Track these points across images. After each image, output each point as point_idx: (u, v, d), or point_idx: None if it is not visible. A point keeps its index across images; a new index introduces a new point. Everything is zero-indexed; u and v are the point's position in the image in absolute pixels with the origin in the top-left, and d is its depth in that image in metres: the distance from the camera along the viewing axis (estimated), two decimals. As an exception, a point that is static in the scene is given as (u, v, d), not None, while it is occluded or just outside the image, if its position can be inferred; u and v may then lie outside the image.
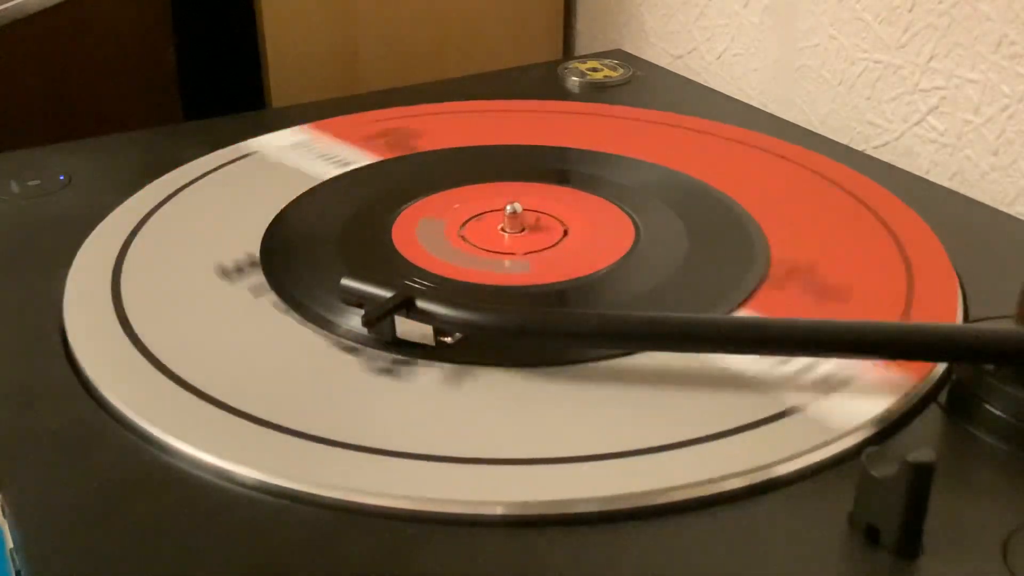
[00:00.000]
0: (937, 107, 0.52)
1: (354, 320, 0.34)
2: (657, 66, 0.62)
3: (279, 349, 0.34)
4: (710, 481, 0.28)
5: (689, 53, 0.67)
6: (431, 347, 0.33)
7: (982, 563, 0.25)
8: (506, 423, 0.30)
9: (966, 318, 0.36)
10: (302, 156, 0.48)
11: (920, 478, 0.24)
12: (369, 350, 0.33)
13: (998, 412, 0.30)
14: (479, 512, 0.27)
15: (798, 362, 0.32)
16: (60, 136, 0.51)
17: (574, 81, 0.58)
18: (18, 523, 0.27)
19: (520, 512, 0.27)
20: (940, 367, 0.32)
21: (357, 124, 0.52)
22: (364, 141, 0.50)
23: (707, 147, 0.49)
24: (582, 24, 0.76)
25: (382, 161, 0.48)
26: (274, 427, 0.30)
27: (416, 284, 0.37)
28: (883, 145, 0.55)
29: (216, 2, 0.65)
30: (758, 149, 0.49)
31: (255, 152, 0.48)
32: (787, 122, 0.53)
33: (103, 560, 0.25)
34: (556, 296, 0.37)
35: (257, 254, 0.40)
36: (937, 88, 0.52)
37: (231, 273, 0.38)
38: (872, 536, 0.26)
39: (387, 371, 0.33)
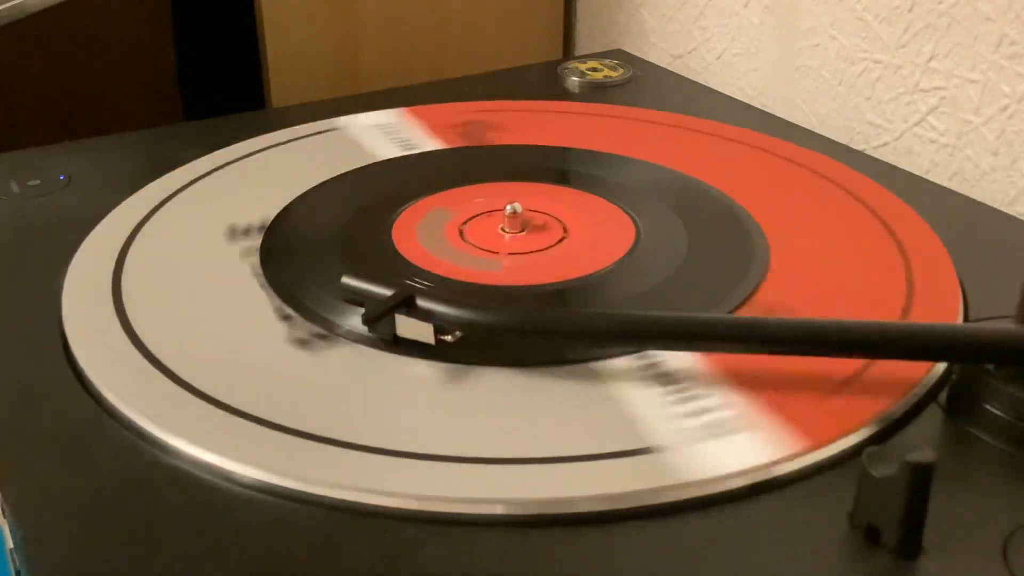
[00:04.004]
0: (937, 107, 0.52)
1: (354, 319, 0.34)
2: (657, 66, 0.62)
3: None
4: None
5: (689, 53, 0.67)
6: (431, 346, 0.33)
7: (982, 563, 0.25)
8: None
9: (966, 318, 0.36)
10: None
11: (920, 478, 0.24)
12: (369, 350, 0.33)
13: (998, 412, 0.30)
14: (479, 512, 0.27)
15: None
16: (60, 136, 0.51)
17: (574, 81, 0.58)
18: (18, 523, 0.27)
19: (520, 512, 0.27)
20: (940, 367, 0.32)
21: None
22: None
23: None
24: (582, 24, 0.76)
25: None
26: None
27: (417, 283, 0.37)
28: (883, 145, 0.55)
29: (216, 2, 0.65)
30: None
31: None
32: (787, 122, 0.53)
33: (103, 560, 0.25)
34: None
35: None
36: (937, 88, 0.52)
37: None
38: (872, 536, 0.26)
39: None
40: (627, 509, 0.27)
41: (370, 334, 0.34)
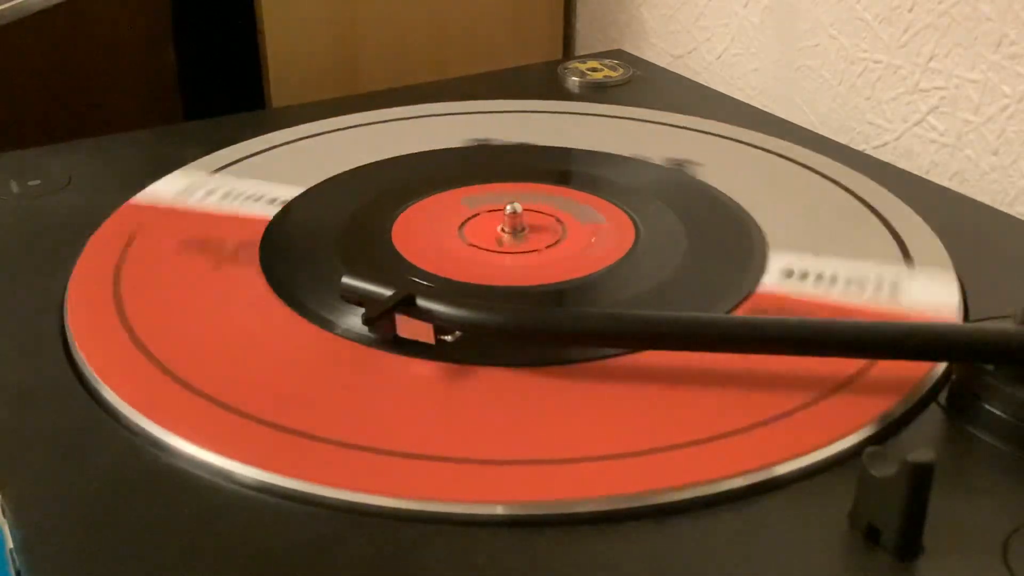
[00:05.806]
0: (937, 107, 0.52)
1: (354, 319, 0.34)
2: (657, 66, 0.62)
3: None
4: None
5: (689, 53, 0.67)
6: (431, 346, 0.33)
7: (982, 563, 0.25)
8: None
9: (966, 318, 0.36)
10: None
11: (920, 478, 0.24)
12: (369, 349, 0.33)
13: (998, 412, 0.30)
14: (479, 512, 0.27)
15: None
16: (60, 136, 0.51)
17: (574, 81, 0.58)
18: (18, 523, 0.27)
19: (520, 512, 0.27)
20: (940, 367, 0.32)
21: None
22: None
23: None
24: (582, 24, 0.76)
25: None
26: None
27: (417, 283, 0.37)
28: (883, 145, 0.55)
29: (216, 2, 0.65)
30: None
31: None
32: (787, 122, 0.53)
33: (103, 560, 0.25)
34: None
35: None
36: (937, 88, 0.52)
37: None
38: (872, 536, 0.26)
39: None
40: (627, 509, 0.27)
41: (370, 334, 0.34)
